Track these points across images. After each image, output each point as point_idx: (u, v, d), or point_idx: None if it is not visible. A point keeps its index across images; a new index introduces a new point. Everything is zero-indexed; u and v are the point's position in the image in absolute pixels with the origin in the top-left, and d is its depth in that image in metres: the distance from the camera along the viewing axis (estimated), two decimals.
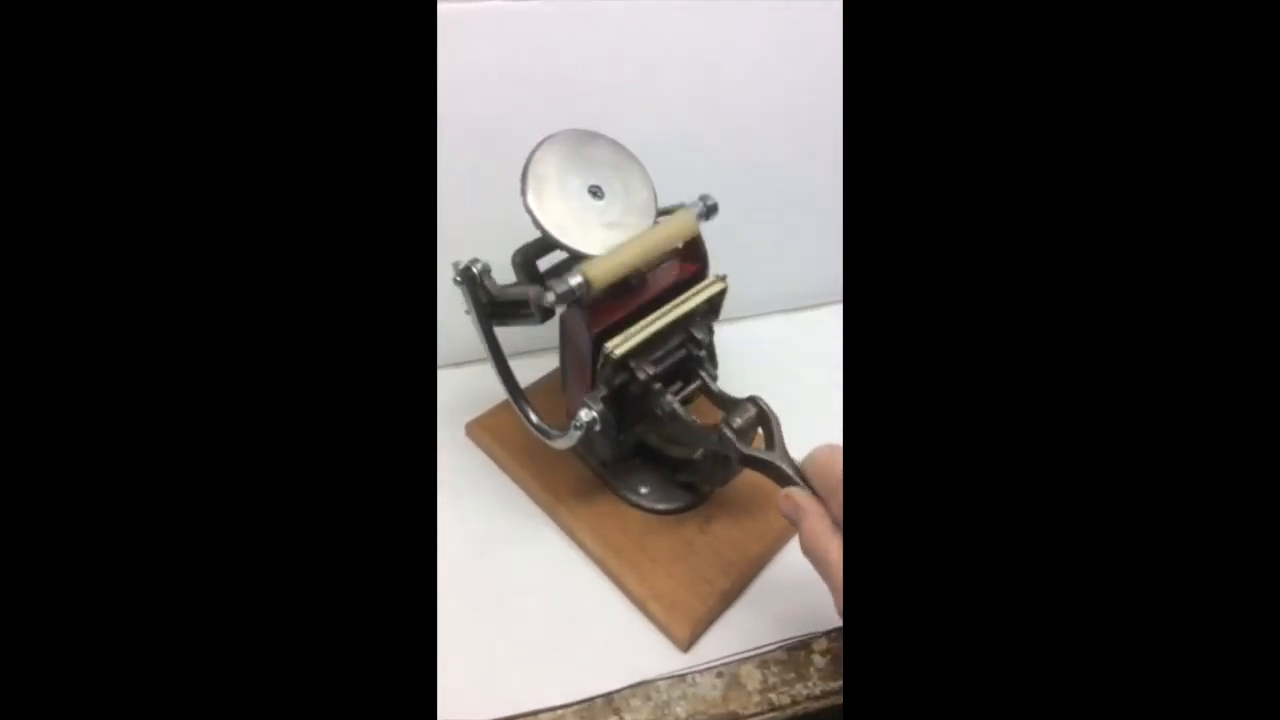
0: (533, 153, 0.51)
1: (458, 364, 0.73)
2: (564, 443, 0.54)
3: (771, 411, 0.52)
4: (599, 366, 0.51)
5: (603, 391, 0.52)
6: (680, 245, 0.54)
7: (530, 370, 0.70)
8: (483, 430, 0.65)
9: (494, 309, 0.56)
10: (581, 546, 0.60)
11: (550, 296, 0.48)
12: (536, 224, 0.50)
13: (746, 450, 0.50)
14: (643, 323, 0.52)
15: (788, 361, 0.75)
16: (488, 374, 0.72)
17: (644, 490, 0.61)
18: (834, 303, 0.83)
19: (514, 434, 0.64)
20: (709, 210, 0.56)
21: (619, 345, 0.50)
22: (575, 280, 0.48)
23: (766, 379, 0.60)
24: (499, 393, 0.68)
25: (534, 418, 0.57)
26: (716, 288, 0.55)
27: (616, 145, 0.55)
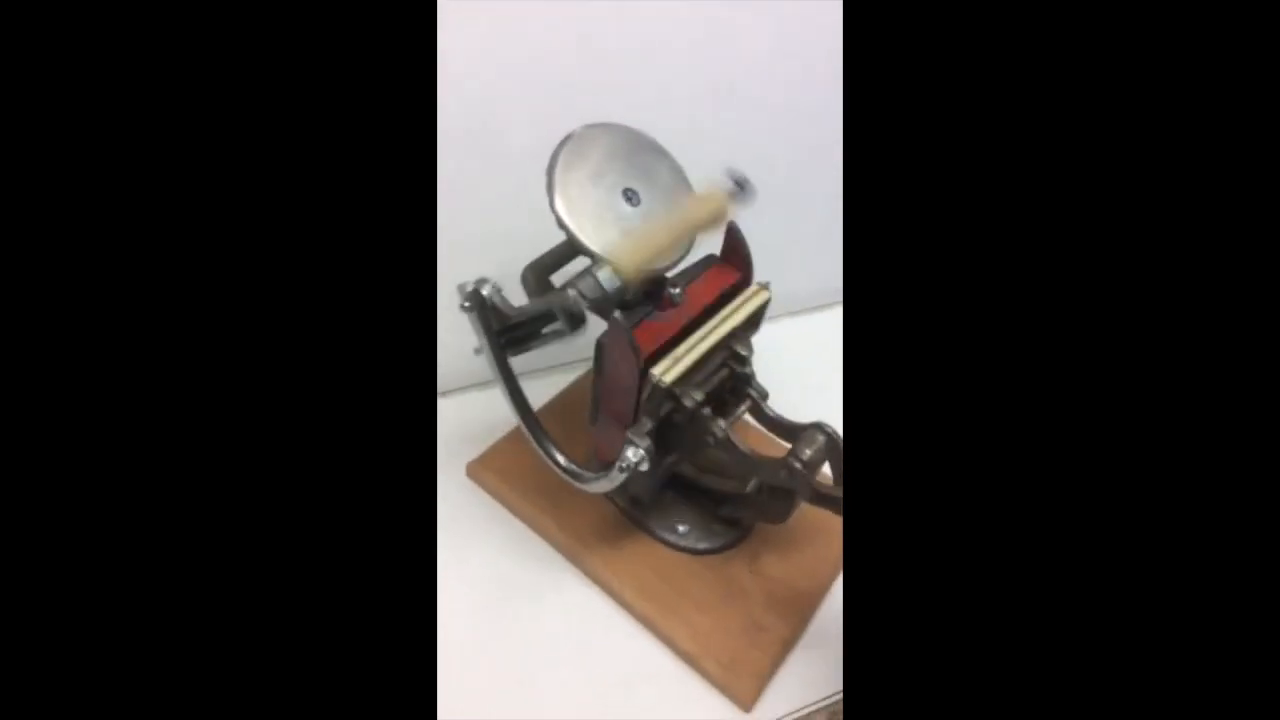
0: (562, 148, 0.43)
1: (444, 393, 0.64)
2: (603, 485, 0.46)
3: (839, 436, 0.46)
4: (645, 397, 0.43)
5: (648, 425, 0.44)
6: (712, 231, 0.46)
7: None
8: (487, 470, 0.57)
9: (508, 335, 0.47)
10: (615, 598, 0.52)
11: (579, 298, 0.40)
12: (561, 223, 0.42)
13: (822, 488, 0.44)
14: (687, 344, 0.45)
15: (793, 366, 0.69)
16: (482, 403, 0.63)
17: (682, 529, 0.54)
18: (837, 304, 0.78)
19: (524, 472, 0.56)
20: (741, 186, 0.46)
21: (667, 371, 0.43)
22: (604, 276, 0.40)
23: (772, 385, 0.53)
24: (497, 424, 0.61)
25: (562, 460, 0.49)
26: (760, 299, 0.48)
27: (654, 147, 0.47)
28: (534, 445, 0.49)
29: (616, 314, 0.41)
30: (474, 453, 0.58)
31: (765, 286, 0.49)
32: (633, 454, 0.44)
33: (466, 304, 0.45)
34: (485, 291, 0.45)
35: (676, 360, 0.44)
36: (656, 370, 0.43)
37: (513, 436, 0.59)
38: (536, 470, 0.55)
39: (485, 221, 0.55)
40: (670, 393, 0.44)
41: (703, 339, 0.45)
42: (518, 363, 0.66)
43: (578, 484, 0.48)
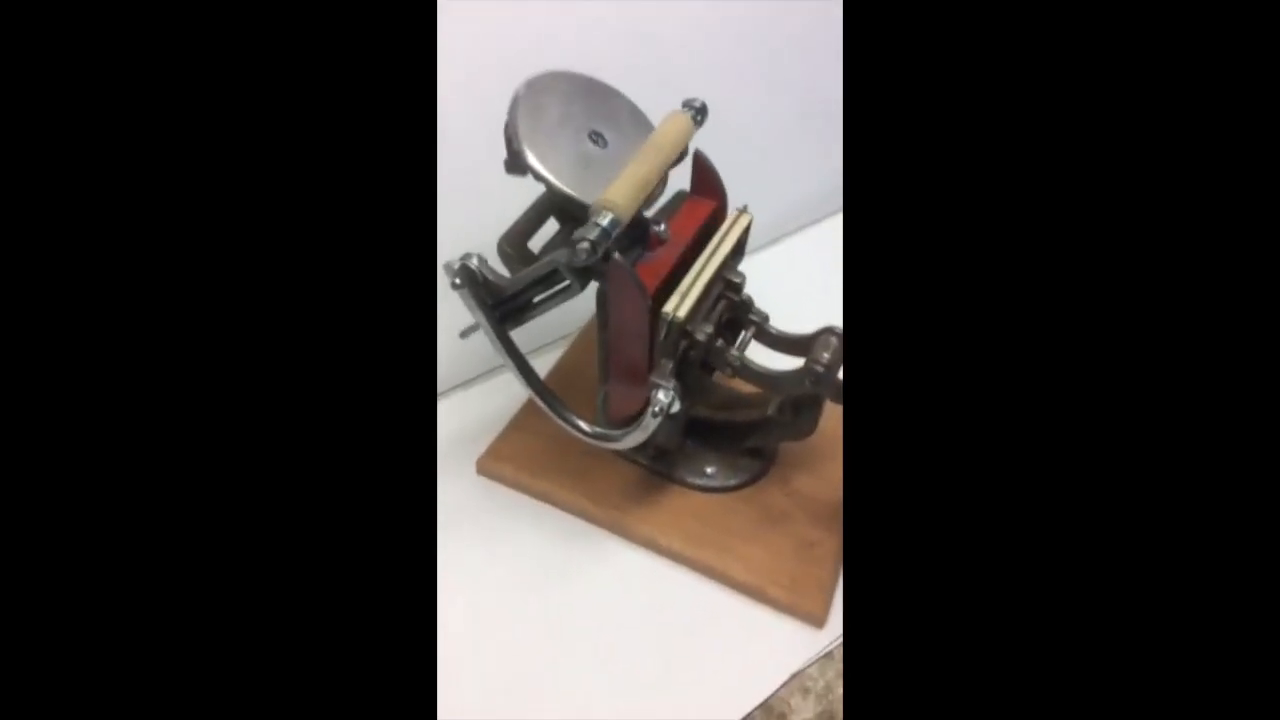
0: (518, 103, 0.42)
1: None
2: (637, 437, 0.45)
3: None
4: (662, 336, 0.43)
5: (669, 365, 0.44)
6: (681, 151, 0.46)
7: (513, 386, 0.60)
8: (500, 461, 0.55)
9: (501, 310, 0.46)
10: (663, 552, 0.51)
11: (584, 247, 0.39)
12: (537, 174, 0.41)
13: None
14: (689, 278, 0.45)
15: (782, 289, 0.68)
16: (471, 399, 0.62)
17: (710, 470, 0.53)
18: (812, 224, 0.78)
19: (539, 454, 0.55)
20: (699, 113, 0.47)
21: (678, 306, 0.43)
22: (605, 219, 0.39)
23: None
24: (493, 416, 0.59)
25: (586, 426, 0.48)
26: (744, 223, 0.48)
27: (603, 87, 0.46)
28: (553, 417, 0.48)
29: (616, 256, 0.41)
30: (477, 450, 0.56)
31: (745, 210, 0.49)
32: (664, 396, 0.43)
33: (457, 281, 0.43)
34: (474, 265, 0.43)
35: (684, 295, 0.44)
36: (668, 307, 0.43)
37: (517, 423, 0.57)
38: (551, 449, 0.54)
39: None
40: (684, 329, 0.44)
41: (701, 270, 0.45)
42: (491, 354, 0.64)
43: (607, 444, 0.48)
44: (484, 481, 0.56)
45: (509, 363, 0.46)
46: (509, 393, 0.60)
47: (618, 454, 0.53)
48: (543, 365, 0.61)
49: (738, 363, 0.46)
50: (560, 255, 0.41)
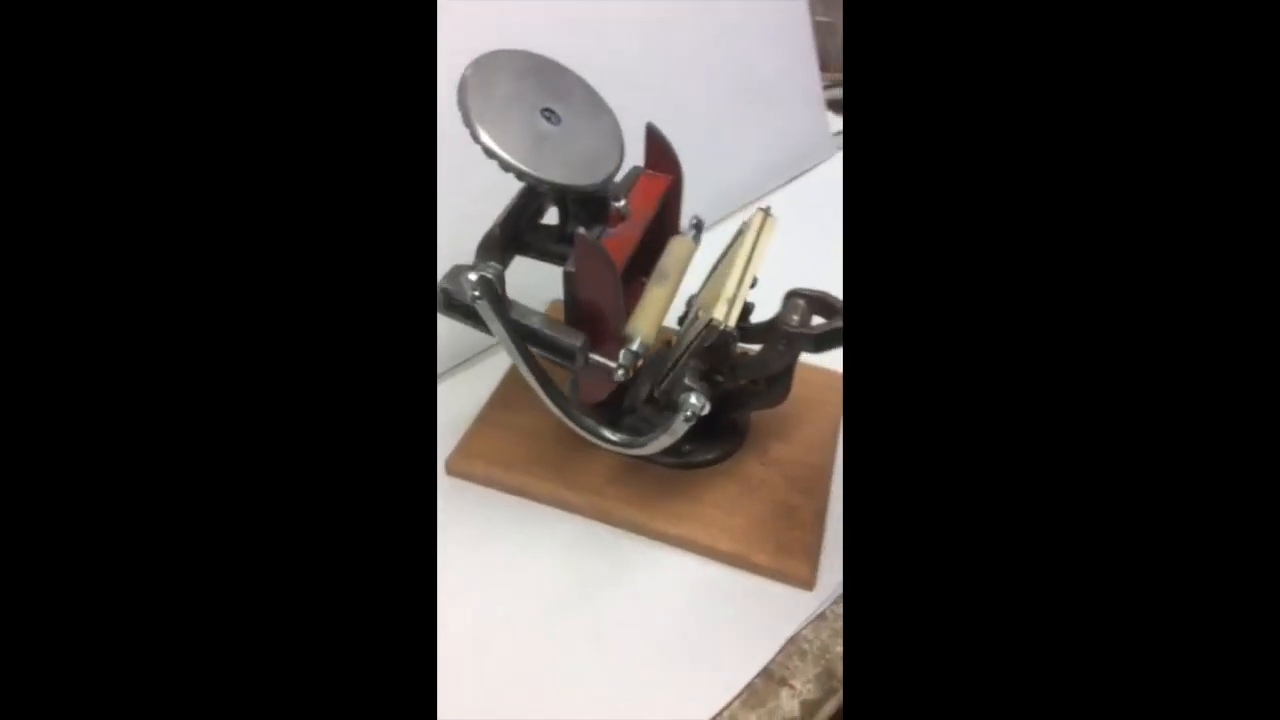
0: (466, 84, 0.40)
1: None
2: (664, 441, 0.45)
3: (819, 292, 0.47)
4: (701, 343, 0.42)
5: (700, 369, 0.44)
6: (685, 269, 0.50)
7: (475, 384, 0.60)
8: (470, 459, 0.53)
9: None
10: (646, 533, 0.51)
11: (621, 367, 0.44)
12: (492, 153, 0.40)
13: (817, 329, 0.45)
14: (731, 283, 0.44)
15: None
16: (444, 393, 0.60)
17: (687, 448, 0.53)
18: (762, 198, 0.77)
19: (513, 449, 0.52)
20: (698, 231, 0.52)
21: (727, 315, 0.42)
22: (636, 345, 0.44)
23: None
24: (456, 418, 0.57)
25: (610, 434, 0.46)
26: (772, 226, 0.48)
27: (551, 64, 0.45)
28: (576, 428, 0.46)
29: (580, 230, 0.40)
30: (442, 451, 0.55)
31: (769, 212, 0.48)
32: (696, 400, 0.42)
33: (477, 293, 0.41)
34: (490, 275, 0.40)
35: (731, 303, 0.43)
36: (718, 315, 0.42)
37: (483, 419, 0.55)
38: (523, 443, 0.53)
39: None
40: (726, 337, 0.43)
41: (744, 277, 0.44)
42: (459, 352, 0.62)
43: (631, 450, 0.46)
44: (454, 481, 0.54)
45: (531, 379, 0.44)
46: (467, 392, 0.58)
47: (593, 442, 0.53)
48: (502, 362, 0.60)
49: (738, 362, 0.47)
50: (584, 347, 0.42)
